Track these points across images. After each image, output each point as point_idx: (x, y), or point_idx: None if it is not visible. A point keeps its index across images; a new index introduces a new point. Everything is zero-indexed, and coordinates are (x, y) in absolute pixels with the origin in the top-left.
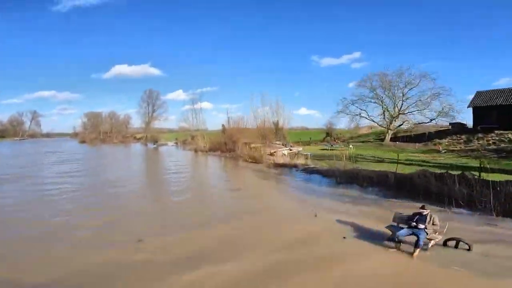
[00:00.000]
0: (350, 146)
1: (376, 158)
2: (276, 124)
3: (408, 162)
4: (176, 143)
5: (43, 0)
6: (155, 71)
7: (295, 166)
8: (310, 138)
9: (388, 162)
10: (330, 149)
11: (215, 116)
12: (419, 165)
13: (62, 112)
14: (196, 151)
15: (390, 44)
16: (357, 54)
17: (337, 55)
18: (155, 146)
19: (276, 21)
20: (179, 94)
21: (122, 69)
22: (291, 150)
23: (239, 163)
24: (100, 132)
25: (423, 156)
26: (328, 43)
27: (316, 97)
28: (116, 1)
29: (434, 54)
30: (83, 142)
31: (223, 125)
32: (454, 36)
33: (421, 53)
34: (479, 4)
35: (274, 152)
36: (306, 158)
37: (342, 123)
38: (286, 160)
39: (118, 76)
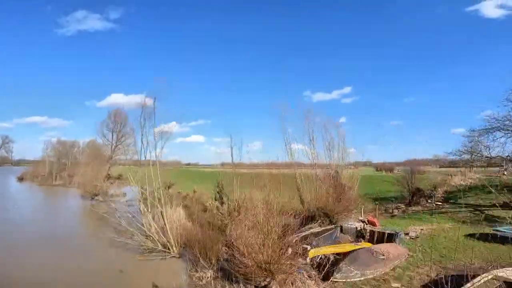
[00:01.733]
0: None
1: None
2: (336, 179)
3: None
4: (142, 194)
5: (48, 22)
6: (150, 102)
7: None
8: (392, 201)
9: None
10: None
11: (207, 149)
12: None
13: (50, 139)
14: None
15: (378, 78)
16: (347, 89)
17: (329, 90)
18: (94, 201)
19: (271, 56)
20: (173, 127)
21: (118, 98)
22: None
23: None
24: (51, 166)
25: None
26: (320, 76)
27: (308, 133)
28: (121, 28)
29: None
30: (21, 179)
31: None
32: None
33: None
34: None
35: None
36: None
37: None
38: None
39: (112, 105)
